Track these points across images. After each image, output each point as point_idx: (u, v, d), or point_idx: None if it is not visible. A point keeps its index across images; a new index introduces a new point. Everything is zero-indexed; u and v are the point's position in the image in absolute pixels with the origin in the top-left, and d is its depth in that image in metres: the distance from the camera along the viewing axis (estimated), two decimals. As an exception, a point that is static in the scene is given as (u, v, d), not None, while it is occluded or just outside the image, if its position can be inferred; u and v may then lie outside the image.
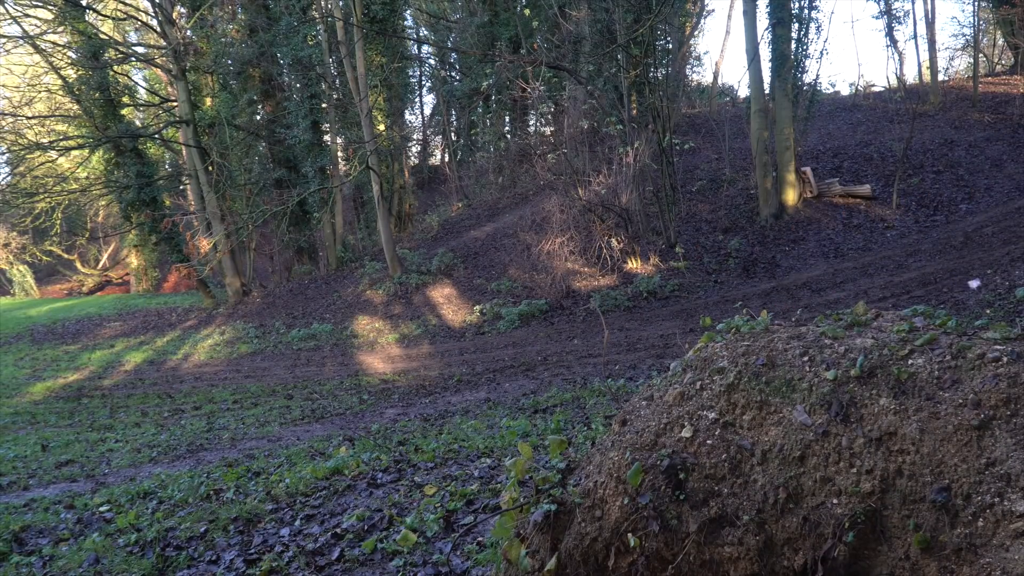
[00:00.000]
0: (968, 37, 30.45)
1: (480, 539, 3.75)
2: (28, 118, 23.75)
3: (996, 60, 31.32)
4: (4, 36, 21.60)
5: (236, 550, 4.24)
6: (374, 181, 19.03)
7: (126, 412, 11.63)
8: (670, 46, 23.37)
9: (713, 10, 72.05)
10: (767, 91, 17.90)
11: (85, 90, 20.32)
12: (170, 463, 7.46)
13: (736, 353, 2.46)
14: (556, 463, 2.79)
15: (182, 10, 21.15)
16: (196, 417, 10.53)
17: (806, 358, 2.30)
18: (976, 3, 24.20)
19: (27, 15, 20.47)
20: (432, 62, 32.25)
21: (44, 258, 35.30)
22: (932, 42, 23.17)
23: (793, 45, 17.30)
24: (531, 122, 28.96)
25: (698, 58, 40.81)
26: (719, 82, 31.97)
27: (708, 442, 2.32)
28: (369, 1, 20.89)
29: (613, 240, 16.38)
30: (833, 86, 32.59)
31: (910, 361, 2.12)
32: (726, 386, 2.38)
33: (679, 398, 2.49)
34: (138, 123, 26.36)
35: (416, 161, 34.70)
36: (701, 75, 36.91)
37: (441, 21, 30.24)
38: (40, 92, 25.10)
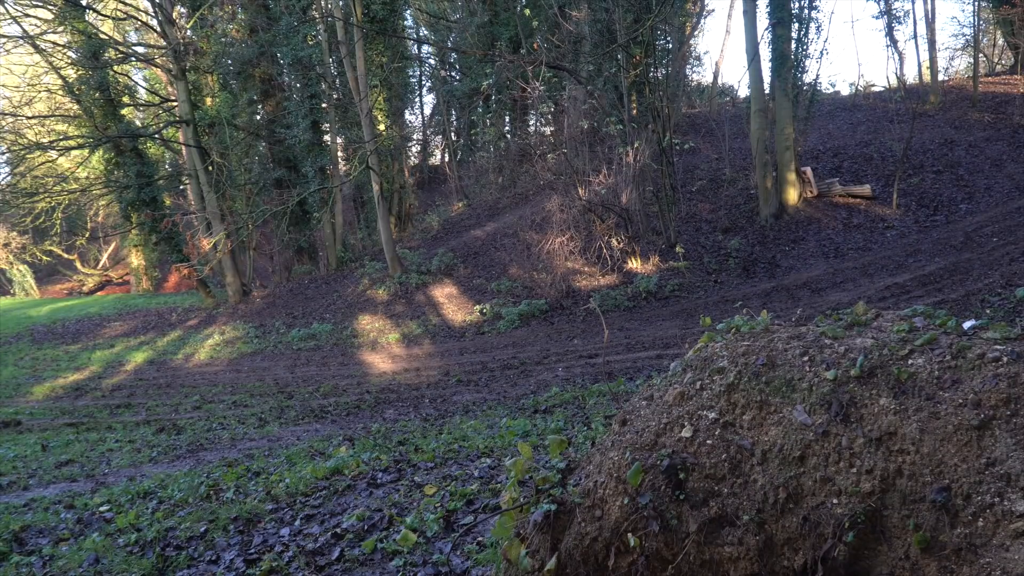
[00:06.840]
0: (968, 37, 30.47)
1: (480, 539, 3.75)
2: (28, 118, 23.76)
3: (996, 60, 31.31)
4: (4, 36, 21.60)
5: (236, 550, 4.23)
6: (374, 181, 19.03)
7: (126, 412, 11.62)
8: (670, 46, 23.37)
9: (713, 10, 71.98)
10: (767, 91, 17.89)
11: (85, 90, 20.31)
12: (170, 463, 7.46)
13: (736, 353, 2.46)
14: (556, 463, 2.79)
15: (182, 10, 21.15)
16: (196, 417, 10.53)
17: (806, 358, 2.29)
18: (976, 3, 24.18)
19: (27, 15, 20.47)
20: (432, 62, 32.26)
21: (44, 258, 35.28)
22: (932, 42, 23.18)
23: (793, 45, 17.29)
24: (531, 122, 28.96)
25: (698, 58, 40.86)
26: (719, 82, 31.98)
27: (708, 442, 2.31)
28: (369, 1, 20.89)
29: (613, 240, 16.38)
30: (833, 86, 32.57)
31: (910, 361, 2.12)
32: (726, 386, 2.38)
33: (679, 398, 2.49)
34: (138, 123, 26.35)
35: (416, 161, 34.68)
36: (701, 75, 36.95)
37: (441, 21, 30.24)
38: (40, 92, 25.09)
